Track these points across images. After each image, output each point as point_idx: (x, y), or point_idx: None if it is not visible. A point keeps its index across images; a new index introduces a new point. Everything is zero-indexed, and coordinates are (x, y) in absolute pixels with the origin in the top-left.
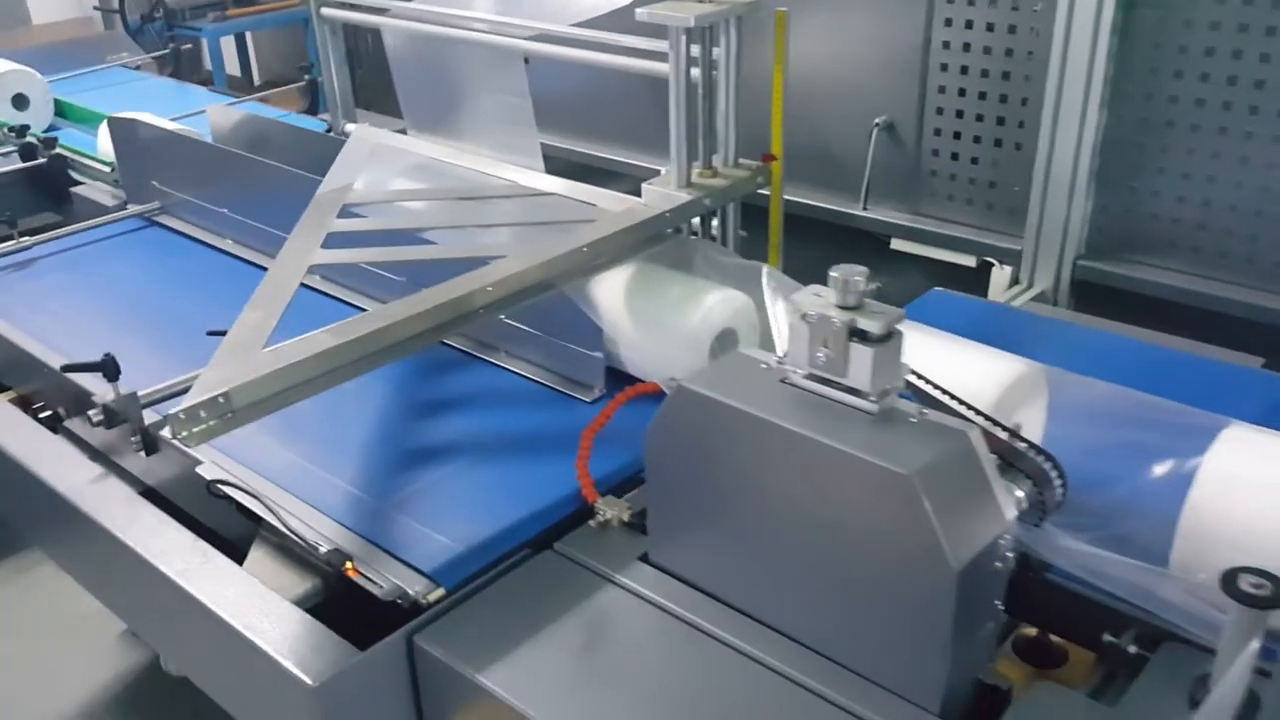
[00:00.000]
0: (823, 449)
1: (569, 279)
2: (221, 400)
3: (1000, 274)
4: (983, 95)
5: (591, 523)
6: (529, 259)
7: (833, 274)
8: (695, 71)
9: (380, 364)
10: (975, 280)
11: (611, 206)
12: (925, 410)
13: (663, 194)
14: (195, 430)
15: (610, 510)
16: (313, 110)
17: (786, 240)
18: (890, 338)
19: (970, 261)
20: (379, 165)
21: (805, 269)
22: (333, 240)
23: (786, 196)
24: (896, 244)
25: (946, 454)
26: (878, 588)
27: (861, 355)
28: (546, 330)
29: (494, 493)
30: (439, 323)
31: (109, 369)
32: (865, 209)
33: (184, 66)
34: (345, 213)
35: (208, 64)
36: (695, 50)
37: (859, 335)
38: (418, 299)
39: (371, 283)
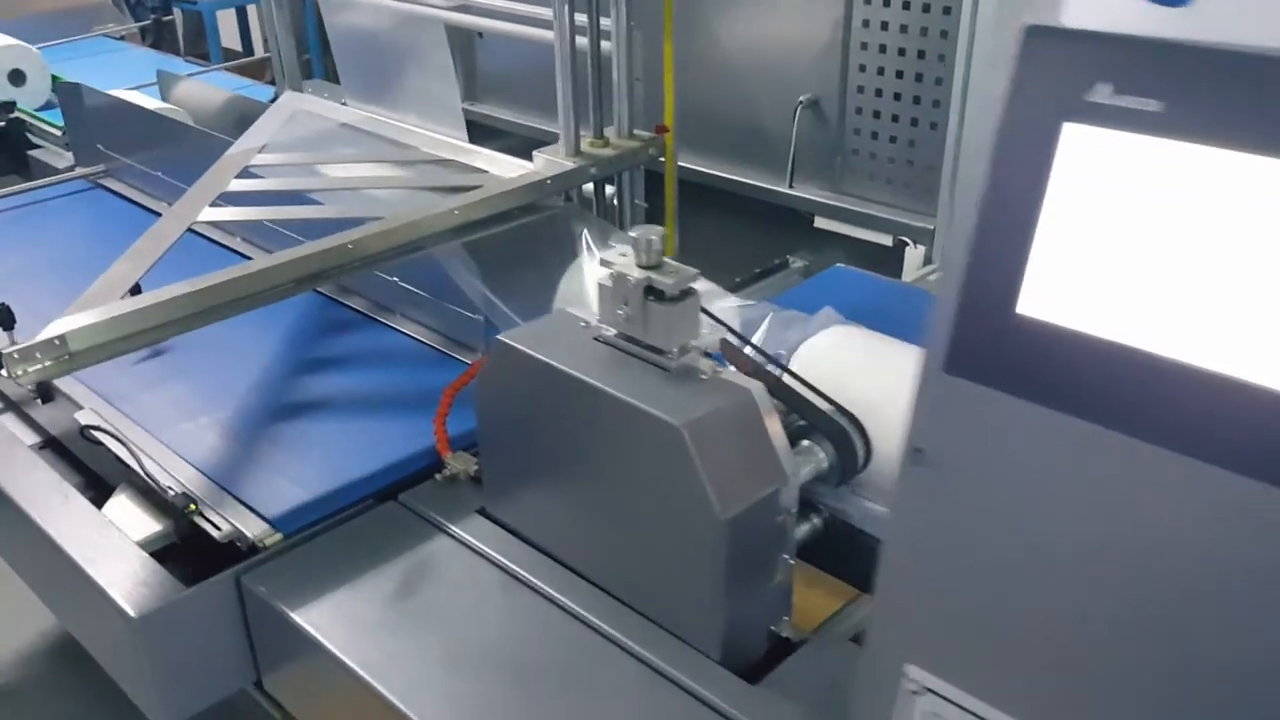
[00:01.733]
0: (610, 400)
1: (438, 241)
2: (58, 343)
3: (914, 253)
4: (900, 74)
5: (438, 476)
6: (398, 220)
7: (631, 234)
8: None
9: (228, 316)
10: (894, 259)
11: (505, 173)
12: (720, 369)
13: (551, 162)
14: (30, 370)
15: (458, 465)
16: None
17: (715, 216)
18: (685, 297)
19: (888, 240)
20: (294, 129)
21: (732, 245)
22: (224, 198)
23: (717, 172)
24: (820, 222)
25: (724, 409)
26: (661, 538)
27: (658, 313)
28: (434, 293)
29: (353, 446)
30: (294, 278)
31: (3, 318)
32: (791, 187)
33: (167, 38)
34: (247, 173)
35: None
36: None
37: (655, 294)
38: (277, 256)
39: (280, 243)
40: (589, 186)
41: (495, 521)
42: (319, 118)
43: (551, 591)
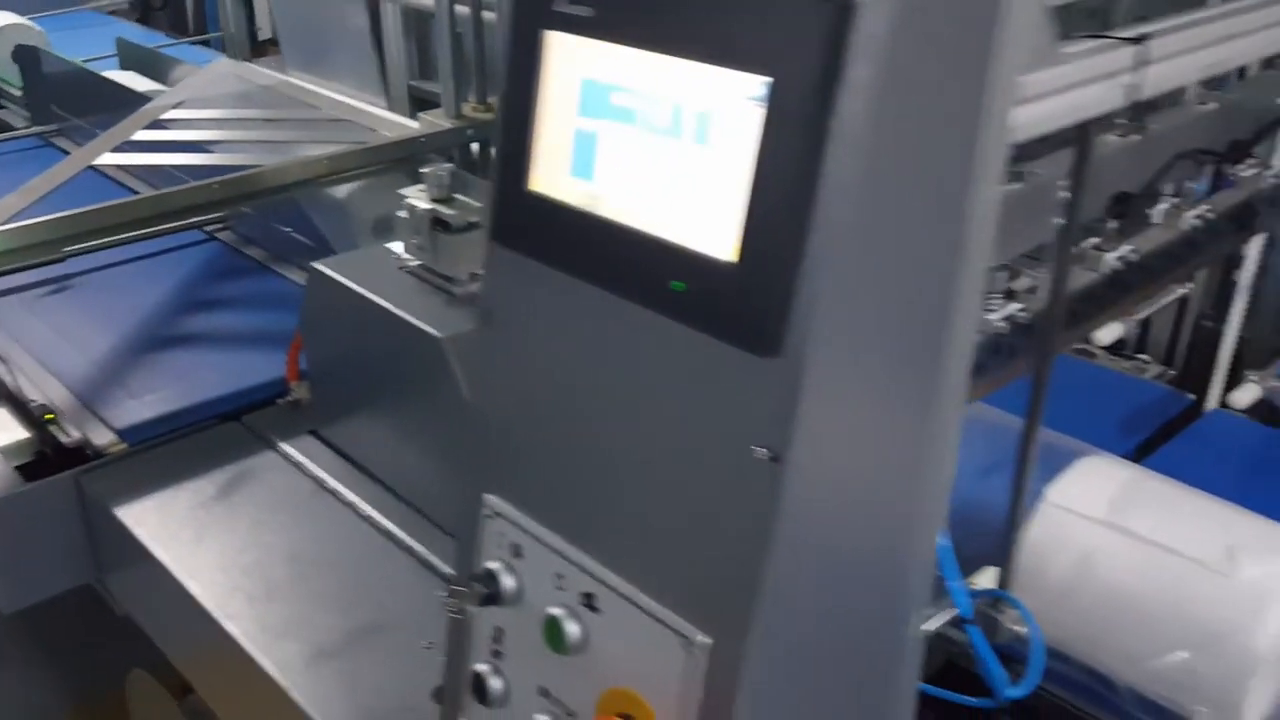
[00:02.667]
0: (387, 315)
1: (307, 188)
2: None
3: None
4: None
5: (280, 401)
6: (268, 167)
7: (423, 171)
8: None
9: (97, 247)
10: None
11: (392, 133)
12: None
13: (431, 123)
14: None
15: (301, 391)
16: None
17: None
18: (470, 229)
19: None
20: (217, 89)
21: None
22: (125, 146)
23: None
24: None
25: None
26: (432, 441)
27: (445, 243)
28: (321, 242)
29: (212, 373)
30: (150, 214)
31: None
32: None
33: (172, 15)
34: (157, 124)
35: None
36: None
37: (442, 225)
38: (138, 197)
39: None
40: (476, 147)
41: (324, 441)
42: (244, 81)
43: (351, 497)
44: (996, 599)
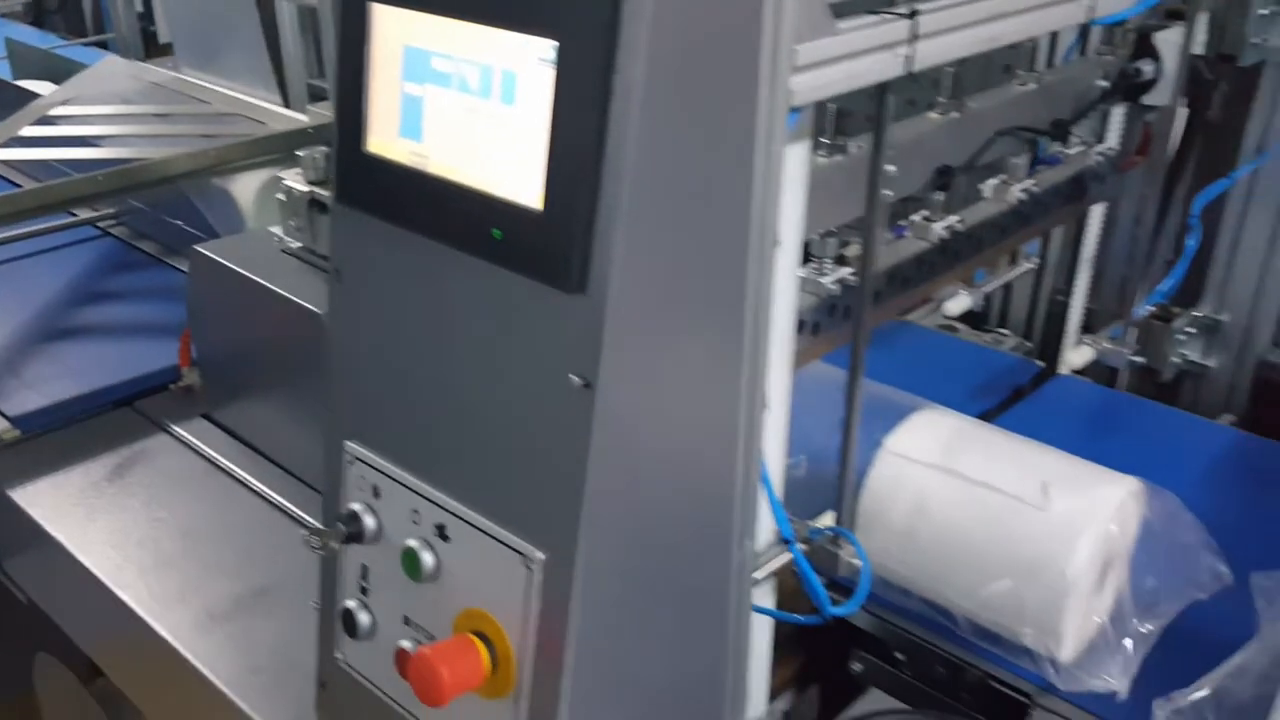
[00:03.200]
0: (266, 292)
1: (195, 179)
2: None
3: None
4: None
5: (173, 386)
6: (156, 159)
7: (299, 154)
8: None
9: None
10: None
11: (280, 126)
12: None
13: (319, 114)
14: None
15: (192, 376)
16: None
17: None
18: None
19: None
20: (107, 86)
21: None
22: (13, 142)
23: None
24: None
25: None
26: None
27: (323, 224)
28: (210, 234)
29: (106, 362)
30: (35, 205)
31: None
32: None
33: (51, 16)
34: (45, 120)
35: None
36: None
37: (319, 207)
38: (23, 190)
39: None
40: None
41: (215, 423)
42: (136, 79)
43: (242, 474)
44: (836, 535)
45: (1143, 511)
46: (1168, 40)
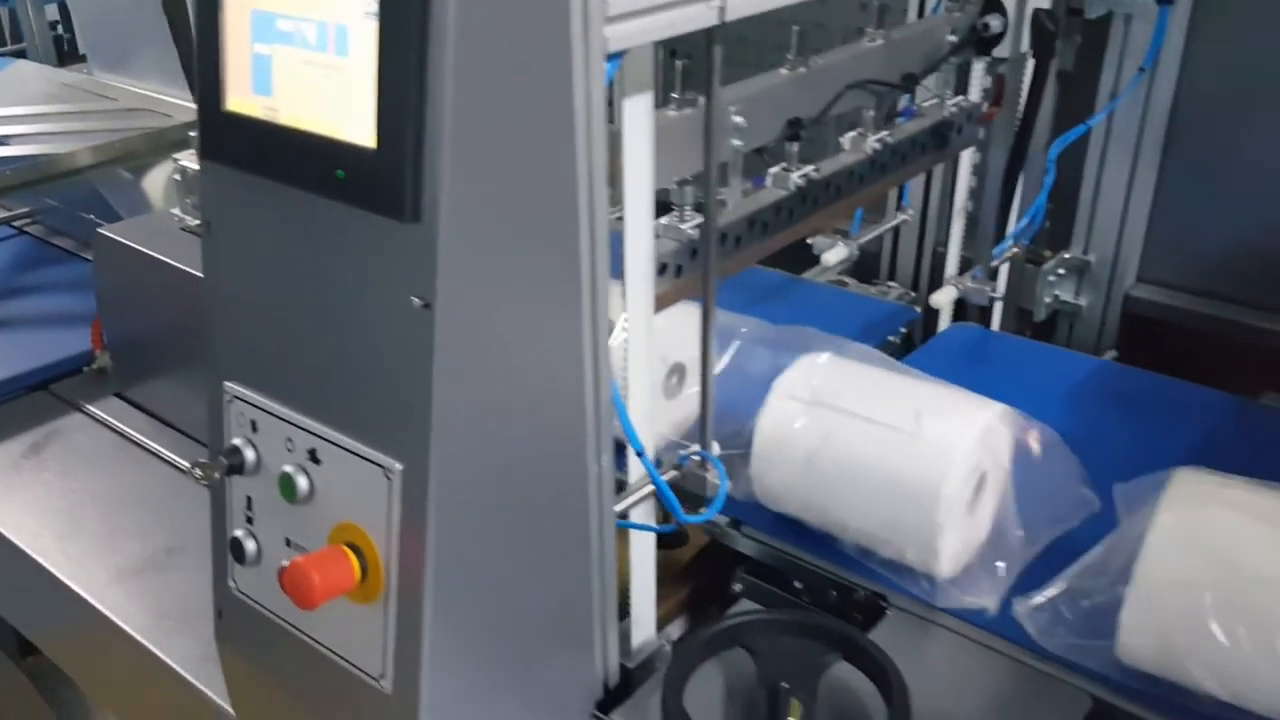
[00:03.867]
0: (167, 268)
1: (99, 169)
2: None
3: None
4: None
5: (87, 369)
6: (63, 152)
7: (191, 134)
8: None
9: None
10: None
11: (184, 118)
12: None
13: None
14: None
15: (104, 360)
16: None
17: None
18: None
19: None
20: (12, 87)
21: None
22: None
23: None
24: None
25: None
26: None
27: None
28: None
29: (20, 349)
30: None
31: None
32: None
33: None
34: None
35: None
36: None
37: None
38: None
39: None
40: None
41: (128, 400)
42: (46, 80)
43: (154, 446)
44: (703, 459)
45: (1015, 436)
46: None
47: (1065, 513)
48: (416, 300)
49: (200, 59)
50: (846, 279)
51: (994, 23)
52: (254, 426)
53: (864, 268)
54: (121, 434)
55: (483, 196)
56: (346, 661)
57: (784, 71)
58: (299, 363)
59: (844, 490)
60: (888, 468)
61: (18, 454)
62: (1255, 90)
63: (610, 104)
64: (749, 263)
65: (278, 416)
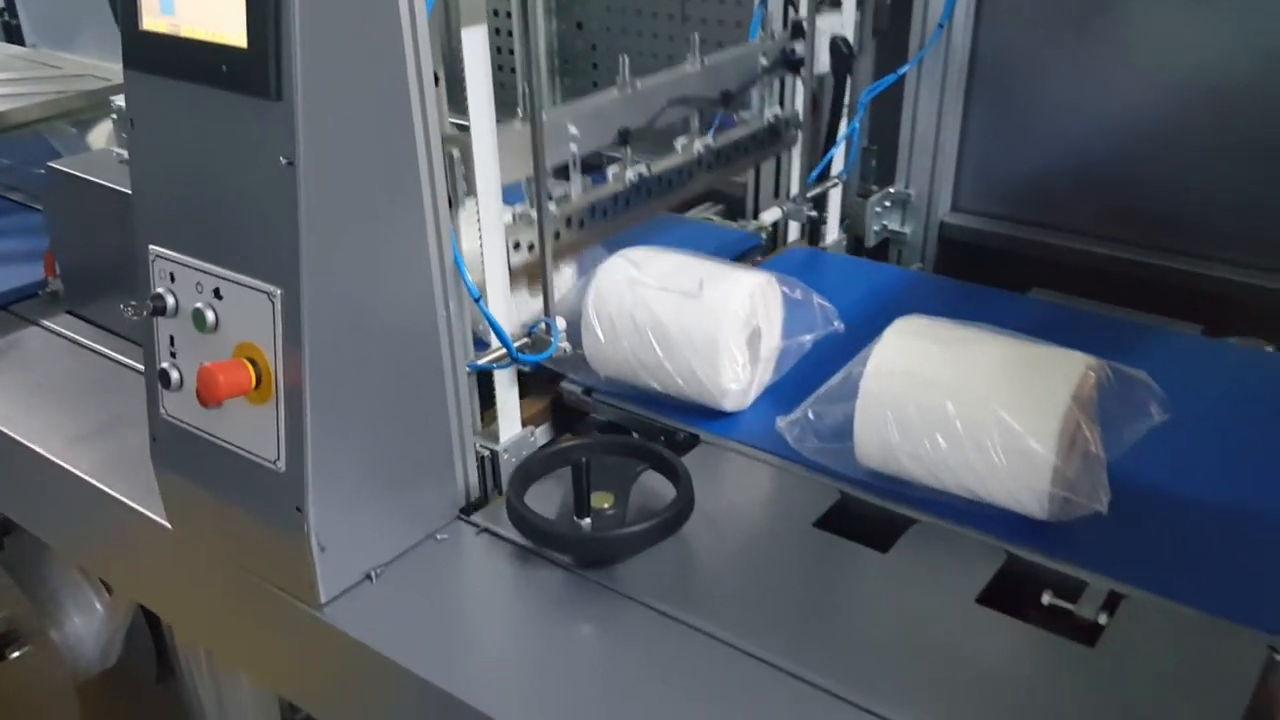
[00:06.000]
0: (107, 191)
1: (46, 123)
2: None
3: None
4: None
5: (41, 293)
6: (11, 108)
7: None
8: None
9: None
10: None
11: None
12: None
13: None
14: None
15: (56, 284)
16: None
17: None
18: None
19: None
20: None
21: None
22: None
23: None
24: None
25: None
26: None
27: None
28: None
29: None
30: None
31: None
32: None
33: None
34: None
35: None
36: None
37: None
38: None
39: None
40: None
41: (79, 316)
42: None
43: (101, 348)
44: (547, 326)
45: (780, 292)
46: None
47: (807, 328)
48: (283, 159)
49: None
50: (713, 216)
51: (799, 48)
52: (172, 278)
53: (732, 210)
54: (73, 340)
55: (329, 81)
56: (250, 453)
57: (614, 93)
58: (203, 222)
59: (651, 350)
60: (682, 325)
61: None
62: (1044, 38)
63: None
64: (591, 243)
65: (190, 267)
